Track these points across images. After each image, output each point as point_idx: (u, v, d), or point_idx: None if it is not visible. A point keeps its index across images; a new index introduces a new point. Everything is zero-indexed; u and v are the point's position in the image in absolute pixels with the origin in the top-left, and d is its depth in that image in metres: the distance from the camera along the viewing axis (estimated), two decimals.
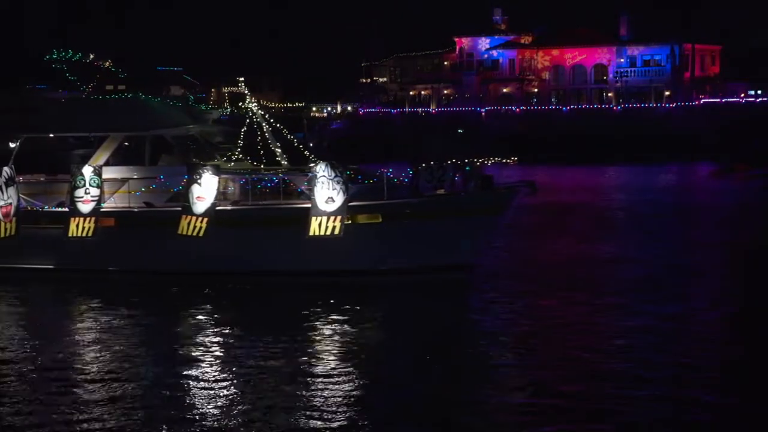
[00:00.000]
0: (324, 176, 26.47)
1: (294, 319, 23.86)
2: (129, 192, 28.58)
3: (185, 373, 19.29)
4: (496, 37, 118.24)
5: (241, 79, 29.97)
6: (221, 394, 17.92)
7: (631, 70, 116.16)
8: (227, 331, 22.94)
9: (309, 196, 26.83)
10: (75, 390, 18.30)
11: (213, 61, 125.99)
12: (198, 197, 27.37)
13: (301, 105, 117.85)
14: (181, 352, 20.99)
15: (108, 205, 28.62)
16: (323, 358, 20.18)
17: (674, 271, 28.89)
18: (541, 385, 17.77)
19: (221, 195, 27.74)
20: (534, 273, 28.49)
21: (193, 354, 20.83)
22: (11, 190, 28.83)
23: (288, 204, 27.42)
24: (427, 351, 20.46)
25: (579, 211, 44.99)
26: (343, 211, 26.35)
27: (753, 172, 65.99)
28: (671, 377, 18.28)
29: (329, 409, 16.79)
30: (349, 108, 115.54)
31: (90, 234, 28.29)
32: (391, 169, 27.47)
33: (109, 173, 28.79)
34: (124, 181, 28.66)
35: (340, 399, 17.33)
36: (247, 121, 29.71)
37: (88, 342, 22.21)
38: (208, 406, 17.20)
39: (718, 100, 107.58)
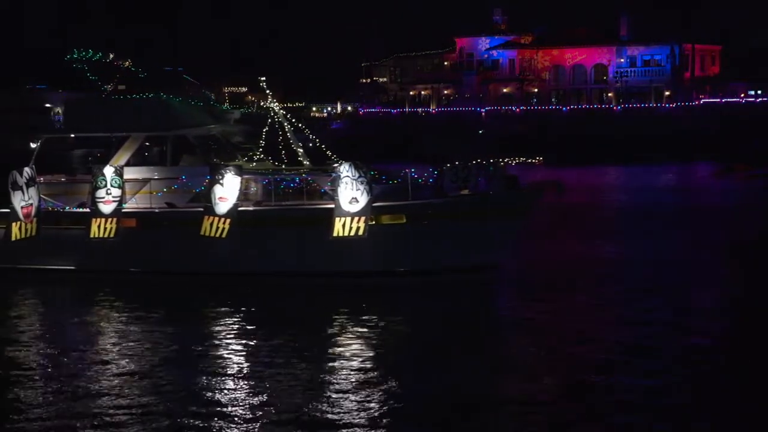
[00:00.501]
0: (348, 176, 26.36)
1: (317, 320, 23.74)
2: (151, 192, 28.40)
3: (206, 373, 19.20)
4: (496, 37, 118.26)
5: (263, 78, 29.82)
6: (242, 395, 17.84)
7: (631, 70, 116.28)
8: (249, 332, 22.76)
9: (332, 197, 26.69)
10: (97, 391, 18.19)
11: (213, 60, 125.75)
12: (220, 198, 27.25)
13: (301, 105, 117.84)
14: (202, 353, 20.85)
15: (129, 206, 28.47)
16: (345, 359, 20.00)
17: (673, 272, 28.86)
18: (565, 387, 17.81)
19: (243, 195, 27.57)
20: (552, 274, 28.41)
21: (215, 355, 20.73)
22: (32, 191, 28.70)
23: (311, 204, 27.29)
24: (449, 352, 20.43)
25: (580, 211, 44.91)
26: (367, 211, 26.24)
27: (753, 172, 65.96)
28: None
29: (349, 409, 16.73)
30: (350, 108, 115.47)
31: (112, 235, 28.16)
32: (413, 169, 27.28)
33: (130, 173, 28.64)
34: (145, 181, 28.51)
35: (360, 400, 17.21)
36: (269, 120, 29.57)
37: (110, 343, 22.07)
38: (229, 408, 17.10)
39: (718, 100, 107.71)
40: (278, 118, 29.70)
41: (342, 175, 26.42)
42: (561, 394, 17.51)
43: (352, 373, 18.92)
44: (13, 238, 28.63)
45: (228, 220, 27.16)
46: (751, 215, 43.49)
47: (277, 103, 29.86)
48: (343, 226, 26.34)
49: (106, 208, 28.24)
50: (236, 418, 16.52)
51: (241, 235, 27.08)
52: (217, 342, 22.00)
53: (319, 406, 16.89)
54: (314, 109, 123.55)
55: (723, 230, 38.55)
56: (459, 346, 20.93)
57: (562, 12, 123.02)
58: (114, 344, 21.97)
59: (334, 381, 18.38)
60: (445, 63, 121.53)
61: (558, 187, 26.00)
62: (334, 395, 17.52)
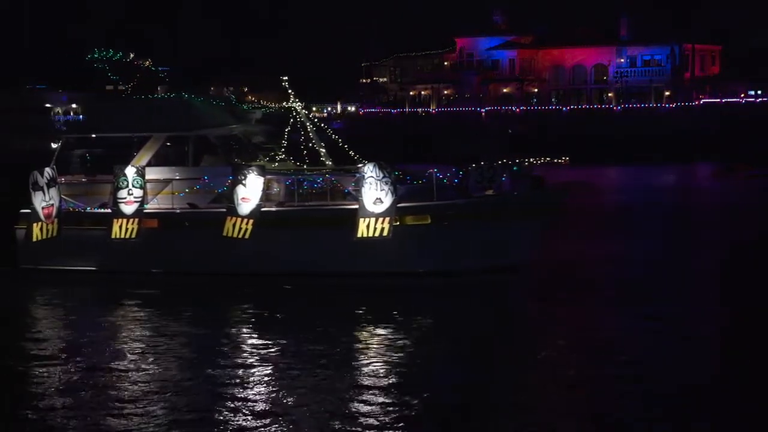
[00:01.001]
0: (372, 177, 26.26)
1: (340, 321, 23.65)
2: (172, 193, 28.27)
3: (227, 374, 19.17)
4: (496, 37, 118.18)
5: (285, 78, 29.69)
6: (264, 397, 17.79)
7: (631, 70, 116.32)
8: (271, 333, 22.67)
9: (356, 197, 26.58)
10: (117, 393, 18.14)
11: (213, 61, 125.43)
12: (243, 198, 27.14)
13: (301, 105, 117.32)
14: (224, 354, 20.78)
15: (151, 207, 28.33)
16: (368, 361, 19.94)
17: (673, 273, 28.85)
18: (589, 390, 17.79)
19: (266, 196, 27.43)
20: (574, 275, 28.37)
21: (236, 356, 20.66)
22: (53, 191, 28.57)
23: (334, 205, 27.17)
24: (473, 353, 20.40)
25: (581, 212, 44.78)
26: (392, 212, 26.14)
27: (753, 172, 66.17)
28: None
29: (369, 412, 16.70)
30: (352, 108, 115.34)
31: (133, 236, 28.04)
32: (436, 169, 27.16)
33: (152, 174, 28.50)
34: (167, 181, 28.36)
35: (382, 403, 17.16)
36: (291, 120, 29.46)
37: (131, 344, 21.99)
38: (251, 408, 17.07)
39: (718, 100, 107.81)
40: (300, 117, 29.58)
41: (366, 176, 26.31)
42: (563, 394, 17.61)
43: (374, 376, 18.85)
44: (34, 239, 28.51)
45: (251, 221, 27.03)
46: (751, 215, 43.40)
47: (299, 103, 29.75)
48: (368, 226, 26.24)
49: (128, 208, 28.13)
50: (258, 419, 16.48)
51: (264, 235, 26.93)
52: (238, 343, 21.92)
53: (342, 409, 16.83)
54: (314, 109, 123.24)
55: (723, 230, 38.51)
56: (483, 348, 20.88)
57: (562, 12, 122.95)
58: (135, 345, 21.89)
59: (357, 383, 18.30)
60: (445, 63, 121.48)
61: (586, 187, 25.93)
62: (355, 397, 17.45)
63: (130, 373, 19.54)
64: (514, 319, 24.36)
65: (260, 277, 27.39)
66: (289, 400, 17.49)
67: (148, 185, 28.30)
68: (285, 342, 21.66)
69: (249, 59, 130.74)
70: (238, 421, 16.49)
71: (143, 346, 21.74)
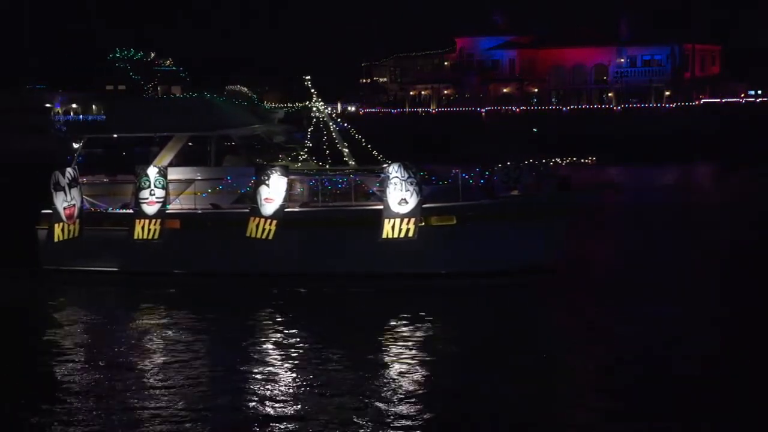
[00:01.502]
0: (397, 177, 26.14)
1: (363, 322, 23.57)
2: (195, 193, 28.12)
3: (249, 375, 19.10)
4: (496, 37, 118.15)
5: (308, 77, 29.56)
6: (291, 398, 17.71)
7: (631, 70, 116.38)
8: (294, 334, 22.59)
9: (381, 198, 26.45)
10: (138, 396, 18.06)
11: (212, 61, 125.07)
12: (266, 199, 26.99)
13: (301, 105, 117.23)
14: (246, 355, 20.68)
15: (173, 207, 28.18)
16: (391, 363, 19.89)
17: (673, 274, 28.80)
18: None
19: (289, 196, 27.28)
20: (598, 275, 28.30)
21: (258, 357, 20.58)
22: (75, 191, 28.40)
23: (359, 206, 27.05)
24: (498, 355, 20.33)
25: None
26: (417, 212, 26.03)
27: (753, 172, 66.33)
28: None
29: (393, 415, 16.63)
30: (352, 108, 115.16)
31: (156, 236, 27.89)
32: (458, 169, 27.04)
33: (174, 174, 28.35)
34: (189, 182, 28.21)
35: (404, 407, 17.05)
36: (314, 120, 29.33)
37: (152, 345, 21.93)
38: (275, 410, 17.04)
39: (718, 100, 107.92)
40: (323, 117, 29.46)
41: (391, 176, 26.19)
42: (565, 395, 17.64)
43: (398, 377, 18.77)
44: (56, 240, 28.35)
45: (274, 222, 26.89)
46: (751, 215, 43.37)
47: (322, 103, 29.64)
48: (393, 227, 26.12)
49: (150, 209, 27.98)
50: (284, 421, 16.43)
51: (287, 236, 26.80)
52: (260, 344, 21.81)
53: (366, 412, 16.77)
54: (314, 109, 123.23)
55: (723, 230, 38.42)
56: (506, 351, 20.77)
57: (562, 12, 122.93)
58: (157, 346, 21.82)
59: (380, 386, 18.20)
60: (445, 63, 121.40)
61: (615, 187, 25.86)
62: (379, 400, 17.36)
63: (151, 372, 19.52)
64: (538, 321, 24.22)
65: (284, 278, 27.26)
66: (313, 400, 17.45)
67: (171, 185, 28.13)
68: (309, 342, 21.62)
69: (249, 59, 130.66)
70: (260, 420, 16.46)
71: (165, 346, 21.69)
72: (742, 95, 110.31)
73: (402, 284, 26.51)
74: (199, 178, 28.32)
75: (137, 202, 28.04)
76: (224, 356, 20.61)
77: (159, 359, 20.60)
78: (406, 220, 26.04)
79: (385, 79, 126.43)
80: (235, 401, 17.46)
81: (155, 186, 27.95)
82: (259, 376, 19.00)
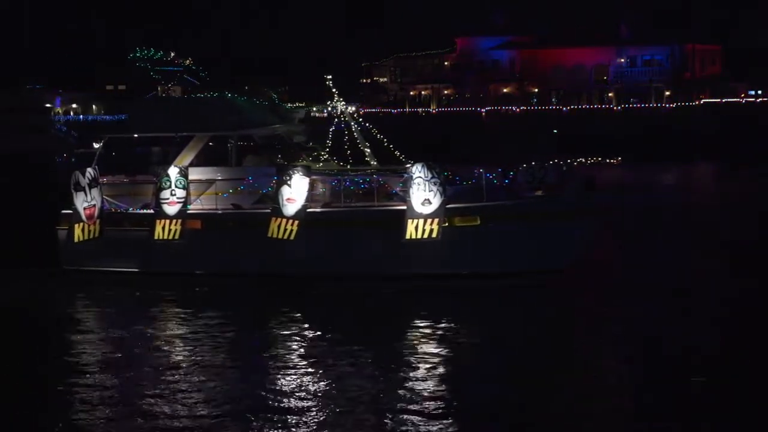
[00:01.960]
0: (420, 177, 26.05)
1: (387, 323, 23.47)
2: (216, 193, 28.03)
3: (270, 377, 19.02)
4: (496, 37, 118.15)
5: (329, 77, 29.49)
6: (317, 402, 17.59)
7: (631, 70, 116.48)
8: (316, 336, 22.52)
9: (404, 198, 26.36)
10: (158, 398, 17.96)
11: (211, 61, 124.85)
12: (288, 199, 26.89)
13: (301, 105, 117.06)
14: (268, 357, 20.58)
15: (194, 207, 28.07)
16: (415, 364, 19.72)
17: (674, 274, 28.76)
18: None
19: (311, 196, 27.18)
20: (624, 277, 28.18)
21: (280, 358, 20.48)
22: (95, 192, 28.29)
23: (382, 206, 26.95)
24: (522, 357, 20.25)
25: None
26: (441, 213, 25.94)
27: (753, 172, 66.34)
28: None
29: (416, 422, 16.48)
30: (352, 108, 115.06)
31: (176, 237, 27.80)
32: (481, 169, 26.96)
33: (195, 174, 28.26)
34: (210, 182, 28.12)
35: (427, 411, 16.88)
36: (335, 120, 29.25)
37: (173, 346, 21.84)
38: (296, 411, 16.96)
39: (718, 100, 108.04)
40: (345, 117, 29.38)
41: (414, 176, 26.10)
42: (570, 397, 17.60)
43: (422, 380, 18.63)
44: (76, 240, 28.24)
45: (296, 222, 26.79)
46: (751, 215, 43.32)
47: (343, 102, 29.57)
48: (416, 228, 26.04)
49: (171, 209, 27.88)
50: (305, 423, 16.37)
51: (309, 237, 26.70)
52: (282, 345, 21.69)
53: (392, 411, 16.73)
54: (314, 109, 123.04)
55: (723, 230, 38.35)
56: (534, 353, 20.69)
57: (562, 12, 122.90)
58: (176, 346, 21.75)
59: (404, 388, 18.09)
60: (445, 63, 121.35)
61: (644, 187, 25.77)
62: (402, 403, 17.26)
63: (169, 373, 19.42)
64: (564, 322, 24.12)
65: (306, 278, 27.17)
66: (340, 402, 17.37)
67: (191, 186, 28.03)
68: (331, 344, 21.53)
69: (249, 58, 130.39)
70: (283, 420, 16.43)
71: (184, 346, 21.62)
72: (742, 95, 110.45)
73: (424, 285, 26.41)
74: (220, 178, 28.21)
75: (158, 203, 27.94)
76: (244, 357, 20.58)
77: (178, 359, 20.54)
78: (429, 220, 25.95)
79: (385, 79, 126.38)
80: (256, 402, 17.41)
81: (176, 186, 27.85)
82: (280, 378, 18.93)
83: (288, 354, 20.93)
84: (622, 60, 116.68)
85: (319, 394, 17.91)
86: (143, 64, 30.90)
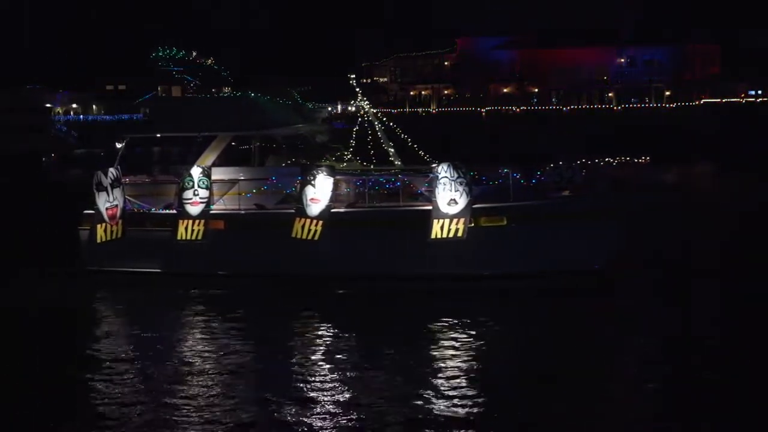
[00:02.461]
0: (446, 177, 25.86)
1: (412, 324, 23.34)
2: (239, 193, 27.82)
3: (294, 379, 18.93)
4: (496, 37, 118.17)
5: (353, 75, 29.32)
6: (343, 404, 17.51)
7: (631, 70, 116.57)
8: (339, 337, 22.35)
9: (429, 198, 26.16)
10: (180, 399, 17.90)
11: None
12: (312, 199, 26.68)
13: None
14: (290, 358, 20.47)
15: (217, 208, 27.86)
16: (440, 366, 19.66)
17: (675, 274, 28.57)
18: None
19: (335, 197, 26.97)
20: (655, 278, 28.02)
21: (304, 360, 20.36)
22: (117, 192, 28.07)
23: (407, 206, 26.75)
24: (549, 361, 20.07)
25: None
26: (467, 213, 25.74)
27: (753, 172, 66.34)
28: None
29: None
30: (352, 108, 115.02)
31: (199, 237, 27.57)
32: (506, 169, 26.77)
33: (217, 174, 28.04)
34: (233, 182, 27.90)
35: (453, 410, 16.91)
36: (359, 119, 29.06)
37: (195, 348, 21.71)
38: (319, 415, 16.87)
39: (718, 100, 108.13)
40: (368, 117, 29.18)
41: (440, 176, 25.90)
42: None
43: (447, 380, 18.55)
44: (99, 240, 28.03)
45: (320, 222, 26.58)
46: (750, 215, 43.25)
47: (367, 102, 29.37)
48: (442, 227, 25.83)
49: (194, 209, 27.68)
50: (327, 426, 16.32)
51: (333, 237, 26.50)
52: (305, 346, 21.56)
53: (415, 415, 16.62)
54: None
55: (723, 230, 38.23)
56: (558, 356, 20.57)
57: (562, 12, 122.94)
58: (199, 347, 21.63)
59: (428, 390, 17.95)
60: (445, 63, 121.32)
61: (670, 187, 25.64)
62: (427, 404, 17.18)
63: (191, 373, 19.39)
64: (592, 324, 23.90)
65: (330, 279, 26.96)
66: (365, 403, 17.31)
67: (214, 186, 27.82)
68: (353, 346, 21.37)
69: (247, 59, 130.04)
70: (309, 421, 16.40)
71: (206, 347, 21.53)
72: (742, 95, 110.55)
73: (449, 285, 26.23)
74: (243, 178, 28.00)
75: (181, 203, 27.71)
76: (263, 361, 20.42)
77: (199, 360, 20.46)
78: (455, 220, 25.74)
79: (385, 79, 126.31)
80: (280, 403, 17.39)
81: (199, 186, 27.64)
82: (302, 378, 18.86)
83: (311, 353, 20.85)
84: (622, 60, 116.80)
85: (342, 392, 17.89)
86: (165, 64, 30.74)
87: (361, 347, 21.12)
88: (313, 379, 18.81)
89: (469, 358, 20.19)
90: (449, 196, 25.79)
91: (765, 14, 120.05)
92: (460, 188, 25.78)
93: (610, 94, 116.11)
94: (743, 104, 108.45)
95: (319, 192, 26.66)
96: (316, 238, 26.66)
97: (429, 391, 17.70)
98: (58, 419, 16.97)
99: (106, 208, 27.93)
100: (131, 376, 19.28)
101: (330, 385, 18.36)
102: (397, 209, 26.79)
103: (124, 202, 28.24)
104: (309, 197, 26.69)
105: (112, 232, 28.11)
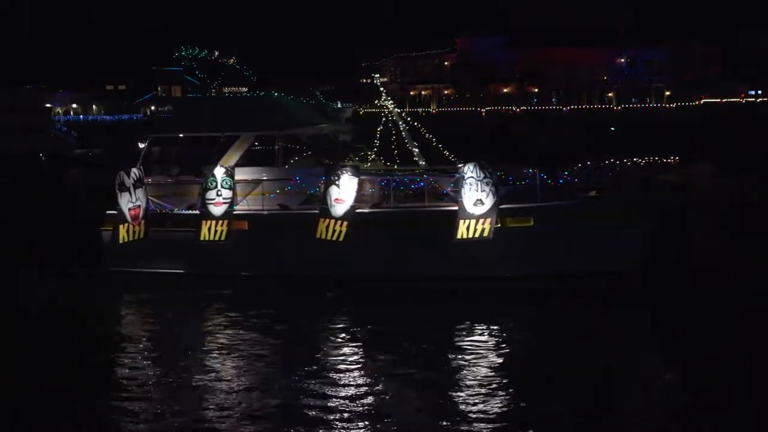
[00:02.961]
0: (472, 177, 25.67)
1: (436, 326, 23.14)
2: (263, 194, 27.62)
3: (316, 379, 18.81)
4: (496, 37, 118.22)
5: (377, 75, 29.15)
6: (367, 406, 17.37)
7: (631, 70, 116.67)
8: (364, 339, 22.11)
9: (455, 199, 25.98)
10: (203, 401, 17.82)
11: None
12: (336, 199, 26.48)
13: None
14: (313, 360, 20.28)
15: (241, 208, 27.66)
16: (465, 369, 19.49)
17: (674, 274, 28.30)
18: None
19: (359, 197, 26.77)
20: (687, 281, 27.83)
21: (326, 361, 20.20)
22: (140, 192, 27.87)
23: (432, 206, 26.55)
24: (577, 364, 19.87)
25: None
26: (493, 213, 25.54)
27: (753, 172, 66.34)
28: None
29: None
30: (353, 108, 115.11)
31: (222, 238, 27.36)
32: (532, 170, 26.60)
33: (241, 174, 27.84)
34: (257, 182, 27.70)
35: (477, 413, 16.79)
36: (383, 119, 28.87)
37: (219, 349, 21.47)
38: (343, 416, 16.77)
39: (718, 100, 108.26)
40: (392, 116, 29.00)
41: (466, 176, 25.69)
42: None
43: (473, 384, 18.43)
44: (121, 241, 27.80)
45: (345, 223, 26.39)
46: (751, 215, 43.12)
47: (391, 101, 29.19)
48: (468, 228, 25.63)
49: (217, 210, 27.47)
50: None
51: (359, 238, 26.31)
52: (328, 347, 21.40)
53: (438, 419, 16.53)
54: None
55: (724, 230, 38.10)
56: (585, 359, 20.37)
57: (563, 12, 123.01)
58: (220, 349, 21.42)
59: (453, 394, 17.84)
60: (445, 63, 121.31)
61: (699, 187, 25.47)
62: (451, 406, 17.09)
63: (212, 375, 19.27)
64: (619, 326, 23.74)
65: (355, 280, 26.76)
66: (391, 406, 17.21)
67: (238, 186, 27.62)
68: (376, 349, 21.12)
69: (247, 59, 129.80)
70: (332, 423, 16.31)
71: (229, 349, 21.33)
72: (742, 95, 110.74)
73: (474, 287, 26.03)
74: (267, 178, 27.81)
75: (204, 203, 27.51)
76: (287, 363, 20.22)
77: (221, 362, 20.31)
78: (481, 220, 25.55)
79: (385, 79, 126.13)
80: (305, 402, 17.37)
81: (222, 186, 27.44)
82: (321, 381, 18.73)
83: (334, 354, 20.69)
84: (622, 60, 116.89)
85: (363, 395, 17.78)
86: (188, 64, 30.73)
87: (383, 349, 20.89)
88: (337, 377, 18.80)
89: (494, 360, 20.05)
90: (476, 196, 25.59)
91: (765, 14, 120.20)
92: (487, 188, 25.58)
93: (610, 94, 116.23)
94: (743, 104, 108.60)
95: (344, 192, 26.47)
96: (341, 238, 26.45)
97: (458, 394, 17.63)
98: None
99: (129, 209, 27.72)
100: (146, 379, 19.18)
101: (353, 391, 18.18)
102: (423, 210, 26.57)
103: (147, 202, 28.03)
104: (333, 197, 26.49)
105: (134, 232, 27.90)
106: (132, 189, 27.70)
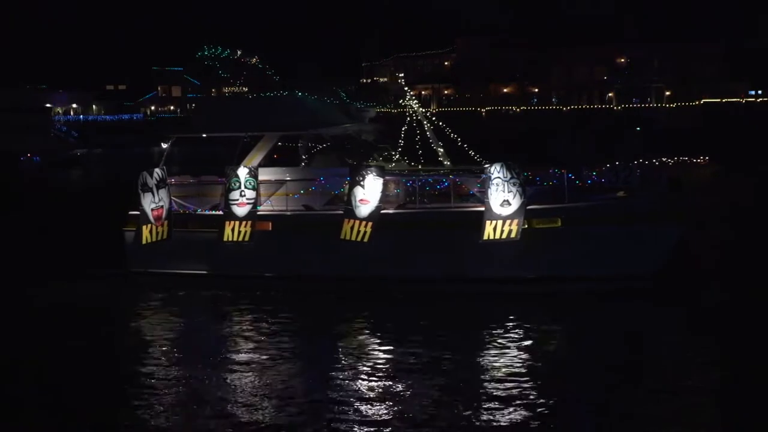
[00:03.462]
0: (499, 178, 25.45)
1: (463, 329, 22.91)
2: (287, 194, 27.36)
3: (338, 382, 18.60)
4: (496, 37, 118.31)
5: (401, 75, 28.99)
6: (394, 409, 17.15)
7: (631, 70, 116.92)
8: (389, 342, 21.76)
9: (481, 199, 25.76)
10: (224, 405, 17.56)
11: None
12: (361, 200, 26.21)
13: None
14: (336, 362, 20.04)
15: (264, 208, 27.42)
16: (490, 373, 19.20)
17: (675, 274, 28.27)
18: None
19: (384, 197, 26.54)
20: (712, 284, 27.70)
21: (348, 364, 19.93)
22: (162, 192, 27.59)
23: (458, 207, 26.33)
24: (609, 367, 19.55)
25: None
26: (521, 214, 25.30)
27: (752, 172, 66.40)
28: None
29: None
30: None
31: (246, 239, 27.11)
32: (559, 170, 26.42)
33: (264, 174, 27.60)
34: (281, 182, 27.46)
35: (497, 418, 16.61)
36: (407, 119, 28.64)
37: (242, 351, 21.20)
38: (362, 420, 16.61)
39: (718, 100, 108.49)
40: (417, 116, 28.77)
41: (493, 177, 25.44)
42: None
43: (496, 388, 18.15)
44: (144, 242, 27.51)
45: (370, 224, 26.14)
46: (750, 215, 43.00)
47: (416, 101, 28.95)
48: (494, 229, 25.42)
49: (240, 210, 27.21)
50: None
51: (384, 239, 26.08)
52: (352, 350, 21.11)
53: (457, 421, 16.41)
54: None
55: (724, 230, 37.93)
56: (613, 364, 20.07)
57: (563, 12, 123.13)
58: (244, 350, 21.19)
59: (481, 395, 17.64)
60: (445, 63, 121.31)
61: (730, 187, 25.30)
62: (469, 410, 16.86)
63: (234, 376, 19.07)
64: (646, 332, 23.56)
65: (380, 281, 26.53)
66: (417, 410, 16.98)
67: (261, 186, 27.38)
68: (402, 352, 20.78)
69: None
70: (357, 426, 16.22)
71: (252, 350, 21.10)
72: (742, 95, 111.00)
73: (501, 288, 25.81)
74: (290, 178, 27.57)
75: (227, 204, 27.24)
76: (310, 365, 19.99)
77: (244, 363, 20.07)
78: (508, 221, 25.33)
79: (385, 79, 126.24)
80: (326, 404, 17.23)
81: (246, 187, 27.18)
82: (349, 378, 18.67)
83: (358, 355, 20.44)
84: (622, 60, 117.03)
85: (388, 397, 17.66)
86: (211, 63, 30.39)
87: (412, 356, 20.58)
88: (359, 378, 18.68)
89: (520, 362, 19.78)
90: (502, 196, 25.35)
91: (765, 14, 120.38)
92: (514, 189, 25.33)
93: (610, 94, 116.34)
94: (743, 104, 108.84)
95: (369, 193, 26.21)
96: (366, 239, 26.18)
97: (482, 396, 17.47)
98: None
99: (152, 209, 27.43)
100: (169, 380, 18.98)
101: (388, 395, 17.94)
102: (448, 210, 26.33)
103: (170, 202, 27.78)
104: (358, 198, 26.22)
105: (157, 233, 27.64)
106: (155, 189, 27.44)
